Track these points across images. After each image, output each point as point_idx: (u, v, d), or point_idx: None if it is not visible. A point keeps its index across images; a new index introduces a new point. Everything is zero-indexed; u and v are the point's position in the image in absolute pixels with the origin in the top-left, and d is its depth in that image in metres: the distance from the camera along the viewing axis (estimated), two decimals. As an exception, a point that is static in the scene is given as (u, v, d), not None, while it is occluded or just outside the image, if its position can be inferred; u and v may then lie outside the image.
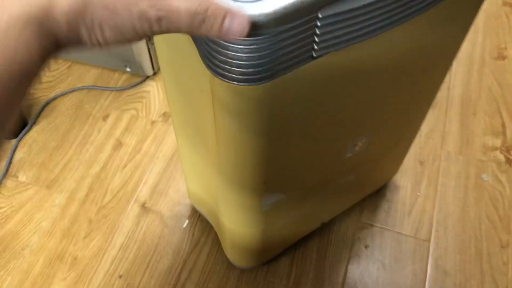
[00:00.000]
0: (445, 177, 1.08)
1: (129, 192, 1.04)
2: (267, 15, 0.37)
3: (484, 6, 1.41)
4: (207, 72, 0.44)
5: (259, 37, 0.38)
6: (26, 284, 0.92)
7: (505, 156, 1.11)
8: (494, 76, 1.26)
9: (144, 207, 1.02)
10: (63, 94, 1.19)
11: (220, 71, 0.41)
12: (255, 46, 0.39)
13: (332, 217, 0.98)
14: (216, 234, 0.99)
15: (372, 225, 1.01)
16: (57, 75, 1.23)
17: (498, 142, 1.14)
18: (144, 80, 1.22)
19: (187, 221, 1.01)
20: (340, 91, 0.54)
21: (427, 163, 1.10)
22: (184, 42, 0.49)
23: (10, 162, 1.08)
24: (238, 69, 0.41)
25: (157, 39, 0.57)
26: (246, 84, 0.42)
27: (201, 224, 1.00)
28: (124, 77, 1.23)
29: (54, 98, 1.18)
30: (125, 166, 1.08)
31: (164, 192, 1.04)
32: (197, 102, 0.56)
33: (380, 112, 0.67)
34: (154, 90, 1.21)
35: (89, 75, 1.23)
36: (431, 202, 1.04)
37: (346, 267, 0.96)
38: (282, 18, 0.38)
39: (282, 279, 0.93)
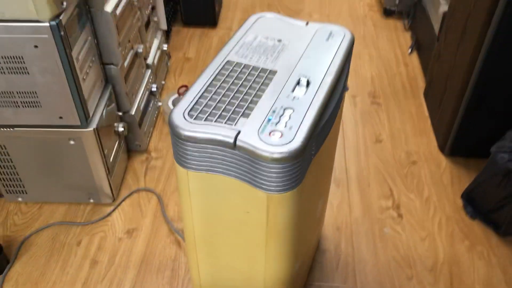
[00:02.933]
0: (357, 236, 1.40)
1: (111, 299, 1.24)
2: (301, 145, 0.72)
3: (360, 106, 1.87)
4: (261, 195, 0.76)
5: (299, 159, 0.73)
6: None
7: (397, 212, 1.47)
8: (376, 156, 1.66)
9: (125, 309, 1.22)
10: (38, 231, 1.40)
11: (281, 188, 0.75)
12: (297, 165, 0.73)
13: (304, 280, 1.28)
14: (190, 317, 1.20)
15: (311, 284, 1.28)
16: (30, 216, 1.44)
17: (389, 203, 1.50)
18: (107, 215, 1.47)
19: (164, 312, 1.22)
20: (319, 169, 0.91)
21: (342, 228, 1.42)
22: (236, 189, 0.79)
23: (0, 296, 1.24)
24: (292, 182, 0.75)
25: (194, 196, 0.84)
26: (297, 186, 0.76)
27: (176, 312, 1.22)
28: (89, 207, 1.47)
29: (30, 235, 1.39)
30: (103, 278, 1.28)
31: (141, 293, 1.25)
32: (240, 225, 0.84)
33: (326, 175, 1.04)
34: (116, 214, 1.46)
35: (58, 211, 1.46)
36: (351, 257, 1.35)
37: (298, 320, 1.20)
38: (306, 142, 0.73)
39: None
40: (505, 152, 1.31)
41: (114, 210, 1.46)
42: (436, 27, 1.83)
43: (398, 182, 1.56)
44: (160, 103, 1.82)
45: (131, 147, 1.64)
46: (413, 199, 1.51)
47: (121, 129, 1.47)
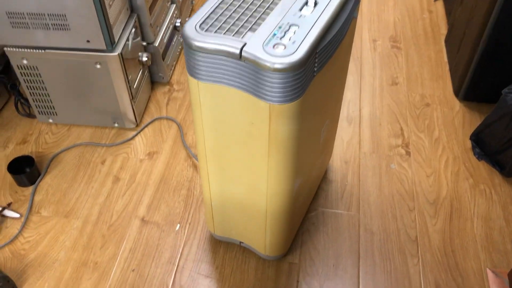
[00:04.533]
0: (364, 170, 1.46)
1: (130, 211, 1.35)
2: (302, 58, 0.77)
3: (379, 50, 1.89)
4: (264, 106, 0.82)
5: (300, 71, 0.78)
6: (61, 287, 1.20)
7: (405, 150, 1.52)
8: (391, 97, 1.69)
9: (143, 220, 1.33)
10: (66, 149, 1.52)
11: (282, 99, 0.81)
12: (298, 77, 0.78)
13: (308, 203, 1.35)
14: (201, 232, 1.31)
15: (315, 209, 1.36)
16: (59, 136, 1.56)
17: (399, 141, 1.54)
18: (130, 138, 1.57)
19: (178, 225, 1.32)
20: (322, 90, 0.95)
21: (350, 162, 1.49)
22: (241, 99, 0.85)
23: (32, 203, 1.37)
24: (293, 94, 0.81)
25: (205, 113, 0.92)
26: (297, 99, 0.82)
27: (189, 226, 1.32)
28: (114, 131, 1.57)
29: (60, 153, 1.51)
30: (124, 193, 1.40)
31: (158, 207, 1.36)
32: (245, 136, 0.91)
33: (331, 101, 1.09)
34: (138, 138, 1.56)
35: (85, 133, 1.57)
36: (356, 188, 1.42)
37: (301, 238, 1.29)
38: (308, 56, 0.78)
39: (256, 253, 1.25)
40: (515, 93, 1.33)
41: (137, 134, 1.56)
42: (463, -29, 1.80)
43: (410, 122, 1.60)
44: (183, 39, 1.88)
45: (155, 78, 1.72)
46: (423, 138, 1.55)
47: (144, 58, 1.54)
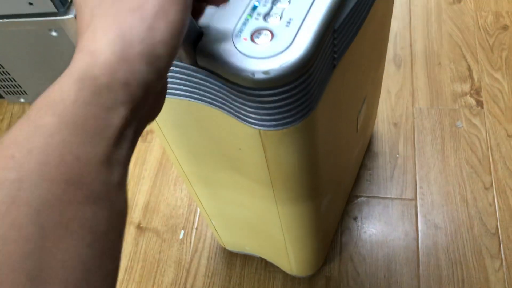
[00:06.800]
0: (421, 133, 1.10)
1: (123, 216, 1.08)
2: (307, 53, 0.41)
3: (433, -48, 1.41)
4: (251, 131, 0.48)
5: (305, 76, 0.42)
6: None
7: (476, 99, 1.13)
8: (452, 22, 1.26)
9: (139, 228, 1.06)
10: (44, 137, 1.24)
11: (278, 122, 0.46)
12: (303, 87, 0.43)
13: (347, 196, 1.03)
14: (211, 238, 1.03)
15: (357, 196, 1.04)
16: (35, 120, 1.27)
17: (466, 87, 1.15)
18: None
19: (182, 231, 1.05)
20: (350, 77, 0.60)
21: (401, 124, 1.12)
22: (216, 120, 0.51)
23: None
24: (296, 114, 0.46)
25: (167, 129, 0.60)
26: (305, 118, 0.47)
27: (197, 231, 1.05)
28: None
29: (36, 143, 1.23)
30: (114, 192, 1.12)
31: (156, 209, 1.08)
32: (235, 162, 0.59)
33: (367, 75, 0.73)
34: (128, 113, 1.25)
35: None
36: (411, 161, 1.07)
37: (340, 241, 0.99)
38: (316, 46, 0.42)
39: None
40: None
41: (125, 109, 1.25)
42: None
43: (481, 57, 1.19)
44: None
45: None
46: (500, 80, 1.14)
47: (119, 10, 1.17)
